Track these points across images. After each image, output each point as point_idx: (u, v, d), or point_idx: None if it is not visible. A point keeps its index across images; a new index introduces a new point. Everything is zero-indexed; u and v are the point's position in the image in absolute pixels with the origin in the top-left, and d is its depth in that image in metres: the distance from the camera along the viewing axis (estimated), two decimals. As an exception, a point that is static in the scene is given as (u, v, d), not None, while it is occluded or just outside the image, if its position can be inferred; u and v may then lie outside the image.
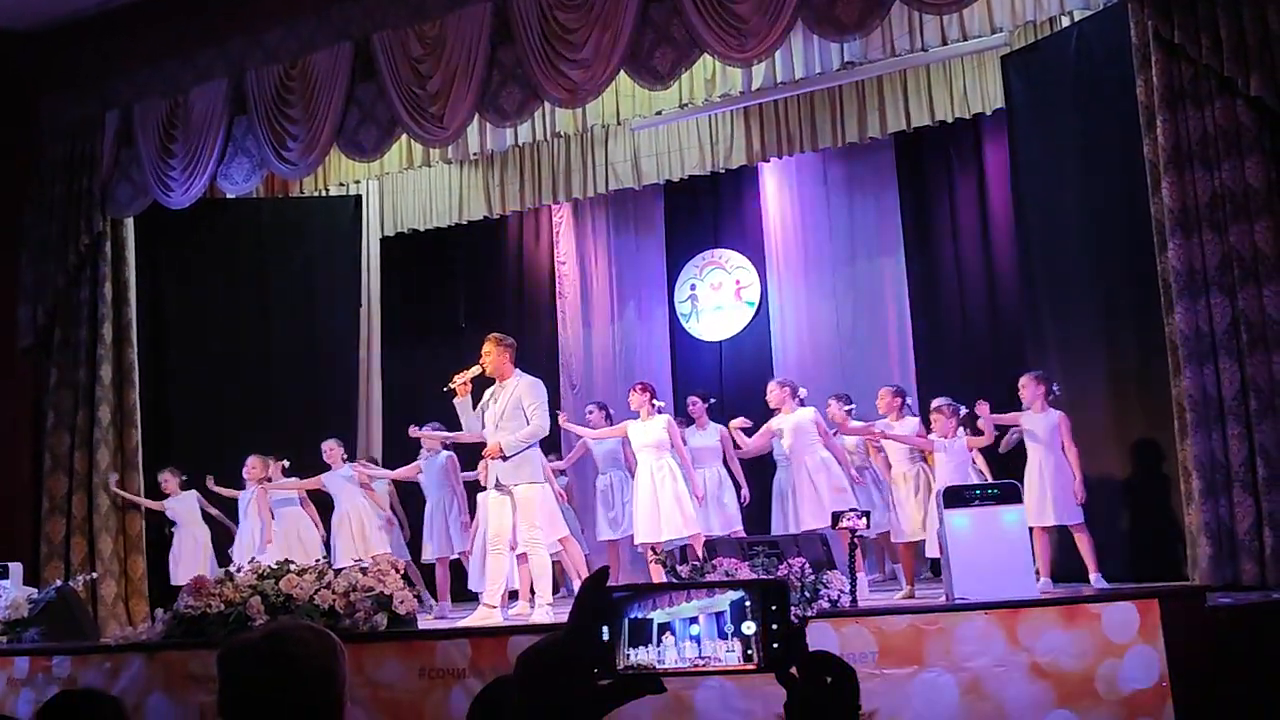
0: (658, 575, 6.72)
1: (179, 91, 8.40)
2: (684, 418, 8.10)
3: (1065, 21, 7.15)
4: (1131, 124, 6.20)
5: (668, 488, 7.20)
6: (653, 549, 6.73)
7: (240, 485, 8.30)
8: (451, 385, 6.26)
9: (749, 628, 1.16)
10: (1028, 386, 6.43)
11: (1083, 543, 6.21)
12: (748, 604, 1.16)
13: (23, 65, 9.00)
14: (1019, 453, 6.55)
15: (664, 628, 1.17)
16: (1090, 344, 6.87)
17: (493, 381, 6.41)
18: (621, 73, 7.10)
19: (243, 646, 1.65)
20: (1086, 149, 6.89)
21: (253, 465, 8.12)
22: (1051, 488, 6.16)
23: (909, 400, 7.11)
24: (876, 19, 6.49)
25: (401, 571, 6.21)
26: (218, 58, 8.33)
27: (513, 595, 7.20)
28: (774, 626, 1.15)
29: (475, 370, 6.32)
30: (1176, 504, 6.05)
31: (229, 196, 8.98)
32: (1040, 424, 6.35)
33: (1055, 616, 4.82)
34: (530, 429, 6.24)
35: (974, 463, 6.77)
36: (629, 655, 1.16)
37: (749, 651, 1.16)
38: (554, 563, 7.36)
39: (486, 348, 6.37)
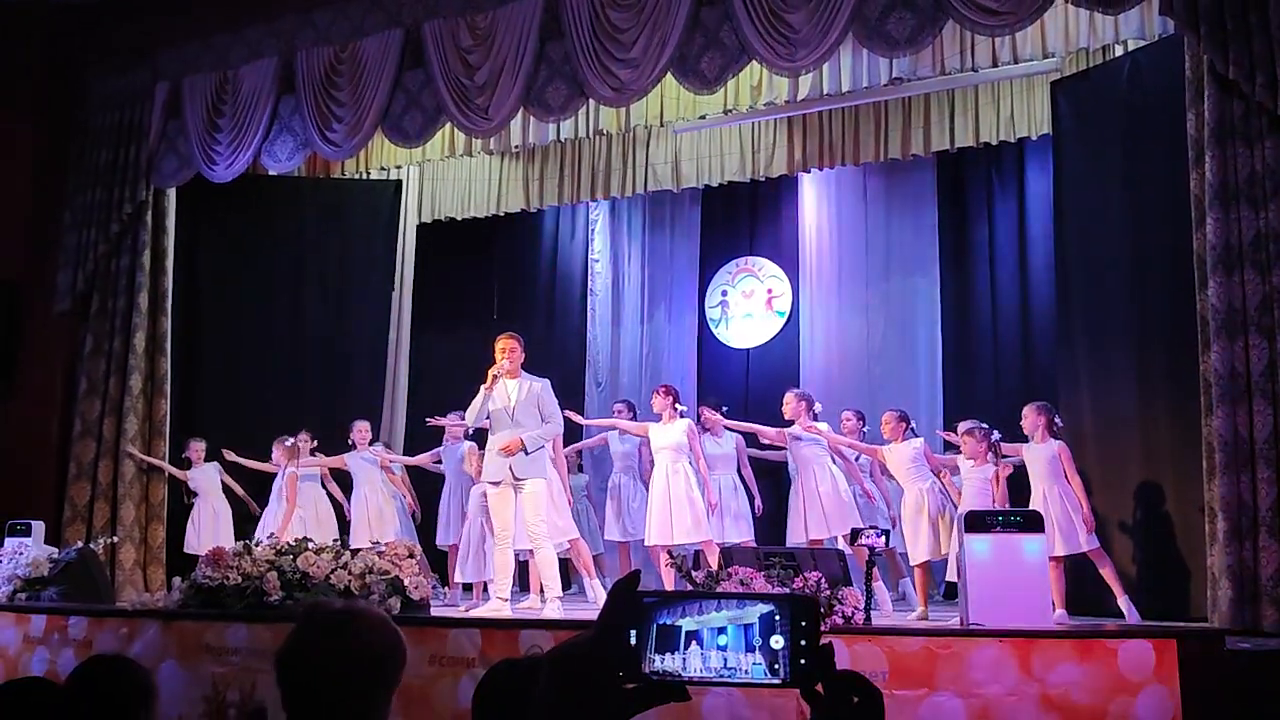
0: (669, 578, 6.75)
1: (228, 66, 8.48)
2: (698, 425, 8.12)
3: (1119, 50, 7.09)
4: (1179, 157, 6.14)
5: (682, 492, 7.23)
6: (668, 552, 6.74)
7: (263, 457, 8.37)
8: (493, 373, 6.34)
9: (777, 642, 1.15)
10: (1029, 417, 6.40)
11: (1104, 568, 6.16)
12: (777, 618, 1.16)
13: (75, 34, 9.11)
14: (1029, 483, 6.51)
15: (691, 636, 1.17)
16: (1123, 376, 6.80)
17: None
18: (668, 75, 7.11)
19: (320, 609, 1.71)
20: (1131, 179, 6.83)
21: (276, 450, 8.16)
22: (1057, 518, 6.12)
23: (913, 424, 7.12)
24: (928, 37, 6.47)
25: (417, 556, 6.25)
26: (269, 35, 8.40)
27: (484, 587, 7.32)
28: (803, 643, 1.15)
29: (506, 365, 6.42)
30: (1200, 544, 5.98)
31: (271, 173, 9.06)
32: (1041, 455, 6.31)
33: (1071, 649, 4.78)
34: (551, 427, 6.54)
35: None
36: (654, 661, 1.16)
37: (775, 666, 1.15)
38: (563, 560, 7.40)
39: (511, 344, 6.50)
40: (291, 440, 8.15)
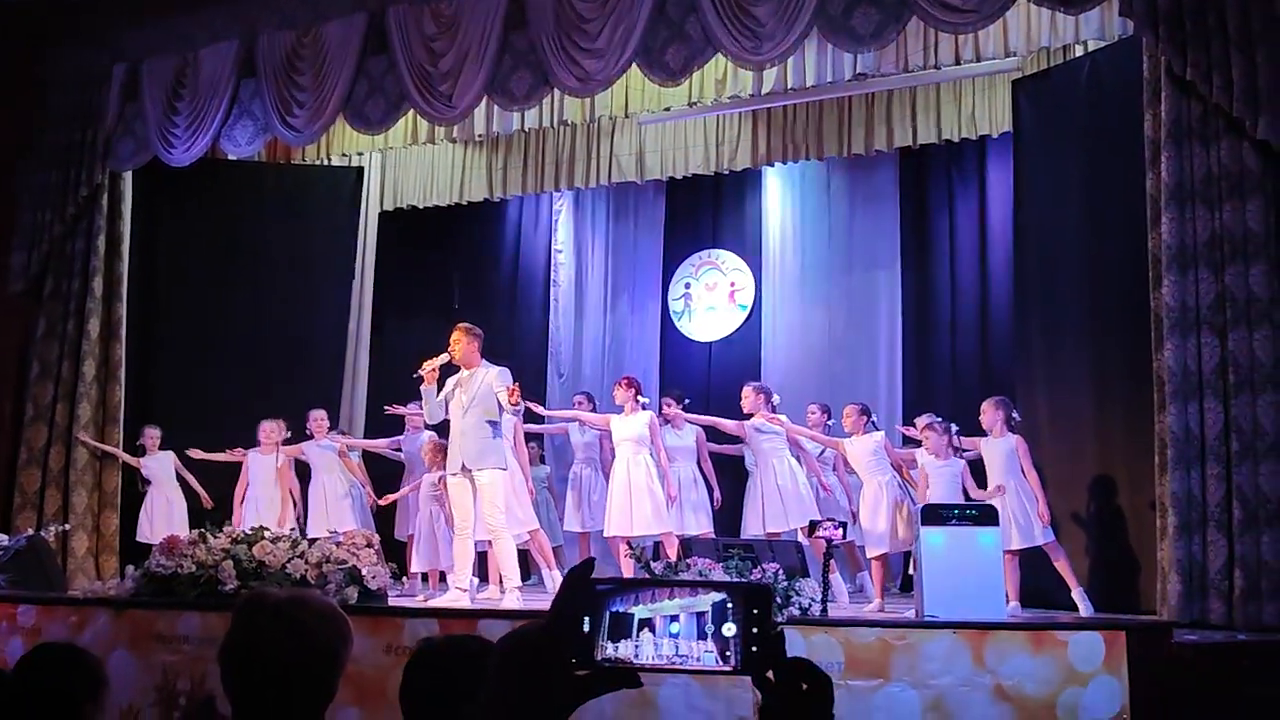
0: (629, 569, 6.76)
1: (189, 49, 8.35)
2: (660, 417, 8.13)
3: (1079, 50, 7.17)
4: (1136, 157, 6.22)
5: (642, 483, 7.23)
6: (627, 543, 6.75)
7: (218, 446, 8.27)
8: (420, 372, 6.32)
9: (729, 629, 1.16)
10: (987, 411, 6.47)
11: (1058, 561, 6.25)
12: (729, 606, 1.16)
13: (34, 13, 8.93)
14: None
15: (644, 623, 1.17)
16: (1079, 372, 6.90)
17: (457, 369, 6.48)
18: (633, 66, 7.10)
19: (264, 598, 1.70)
20: (1090, 178, 6.91)
21: (271, 430, 8.05)
22: (1013, 512, 6.19)
23: (874, 417, 7.17)
24: (892, 33, 6.51)
25: (375, 546, 6.22)
26: (230, 19, 8.28)
27: (441, 577, 7.29)
28: (754, 630, 1.15)
29: (443, 358, 6.41)
30: (1150, 538, 6.08)
31: (231, 158, 8.94)
32: (999, 449, 6.38)
33: (1023, 641, 4.85)
34: (508, 415, 6.51)
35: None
36: (606, 648, 1.16)
37: (727, 653, 1.16)
38: (523, 550, 7.39)
39: (455, 336, 6.46)
40: (274, 423, 8.07)
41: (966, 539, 5.42)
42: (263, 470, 8.06)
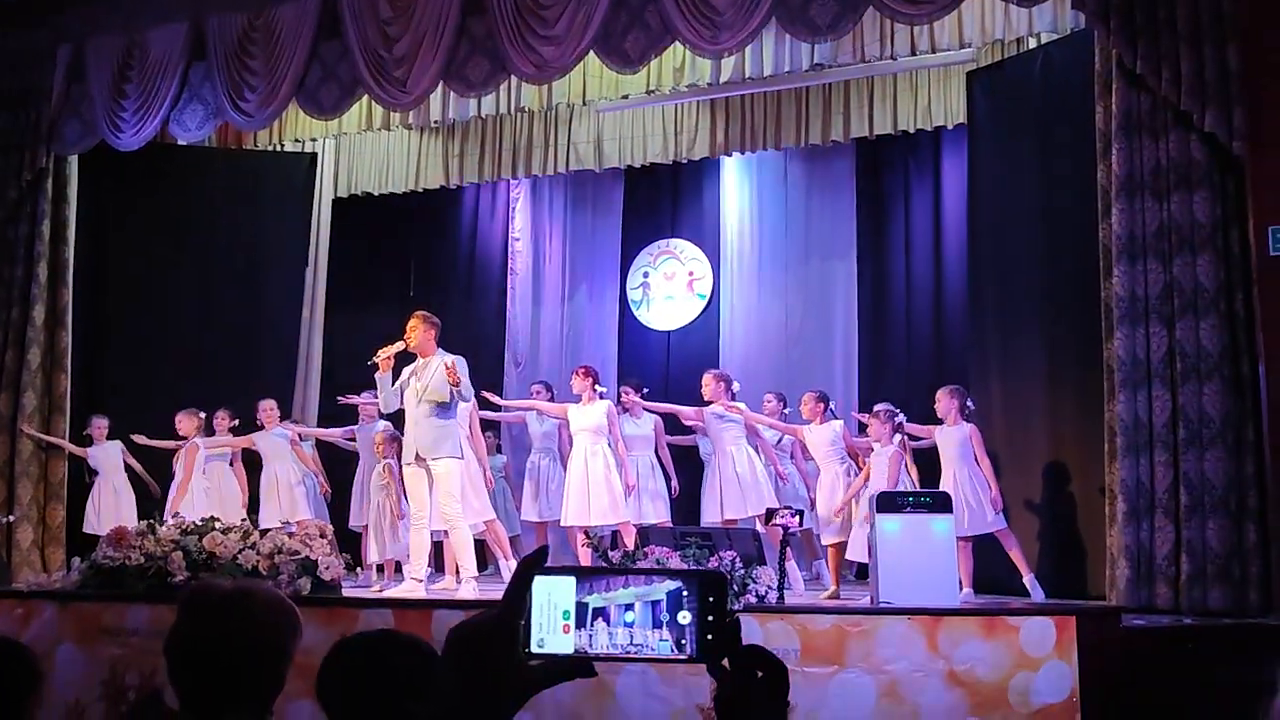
0: (586, 559, 6.75)
1: (136, 30, 8.17)
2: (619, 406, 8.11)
3: (1033, 43, 7.25)
4: (1088, 149, 6.30)
5: (600, 473, 7.23)
6: (585, 533, 6.74)
7: (168, 437, 8.14)
8: (375, 359, 6.27)
9: (684, 618, 1.15)
10: (942, 400, 6.54)
11: (1010, 548, 6.33)
12: (685, 594, 1.16)
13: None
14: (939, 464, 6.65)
15: (598, 612, 1.16)
16: (1031, 361, 6.99)
17: (414, 358, 6.42)
18: (591, 53, 7.06)
19: (210, 589, 1.66)
20: (1043, 169, 7.00)
21: (179, 420, 7.94)
22: (966, 499, 6.26)
23: (832, 405, 7.21)
24: (849, 23, 6.53)
25: (328, 536, 6.16)
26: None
27: (396, 567, 7.24)
28: (709, 618, 1.14)
29: (399, 346, 6.34)
30: (1100, 524, 6.18)
31: (181, 143, 8.77)
32: (953, 437, 6.46)
33: (976, 626, 4.91)
34: (464, 403, 6.47)
35: (906, 470, 6.86)
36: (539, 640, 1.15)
37: (682, 642, 1.15)
38: (479, 540, 7.36)
39: (412, 324, 6.41)
40: (204, 413, 7.95)
41: (921, 526, 5.47)
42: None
